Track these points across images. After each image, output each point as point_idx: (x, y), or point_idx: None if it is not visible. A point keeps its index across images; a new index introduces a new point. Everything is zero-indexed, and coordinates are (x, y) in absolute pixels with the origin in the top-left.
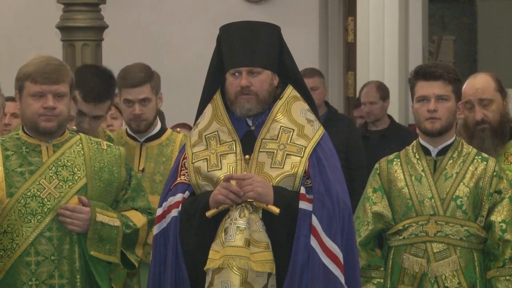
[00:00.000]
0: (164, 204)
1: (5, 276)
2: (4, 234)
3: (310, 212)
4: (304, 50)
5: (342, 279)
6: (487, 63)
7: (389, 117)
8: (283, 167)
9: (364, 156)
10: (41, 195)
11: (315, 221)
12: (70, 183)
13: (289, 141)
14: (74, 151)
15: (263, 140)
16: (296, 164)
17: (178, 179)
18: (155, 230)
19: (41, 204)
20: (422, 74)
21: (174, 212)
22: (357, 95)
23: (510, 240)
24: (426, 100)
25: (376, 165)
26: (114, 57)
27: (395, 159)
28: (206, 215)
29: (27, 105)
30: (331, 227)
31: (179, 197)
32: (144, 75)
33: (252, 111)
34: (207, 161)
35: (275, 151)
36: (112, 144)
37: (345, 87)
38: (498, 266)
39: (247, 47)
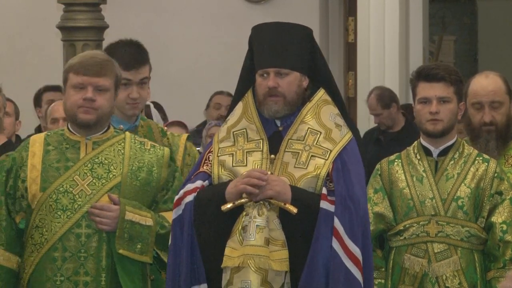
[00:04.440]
0: (181, 191)
1: (34, 270)
2: (36, 229)
3: (331, 213)
4: None
5: (362, 282)
6: (488, 63)
7: (404, 115)
8: (306, 168)
9: (365, 155)
10: (73, 191)
11: (337, 223)
12: (104, 181)
13: (315, 143)
14: (114, 150)
15: (290, 141)
16: (320, 166)
17: (201, 168)
18: (173, 215)
19: (72, 201)
20: (423, 75)
21: (190, 197)
22: (357, 95)
23: (510, 241)
24: (428, 101)
25: (377, 166)
26: None
27: (396, 160)
28: (222, 210)
29: (69, 96)
30: (353, 230)
31: (198, 183)
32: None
33: (279, 113)
34: (233, 156)
35: (300, 152)
36: (157, 145)
37: (346, 87)
38: (498, 267)
39: (276, 48)
